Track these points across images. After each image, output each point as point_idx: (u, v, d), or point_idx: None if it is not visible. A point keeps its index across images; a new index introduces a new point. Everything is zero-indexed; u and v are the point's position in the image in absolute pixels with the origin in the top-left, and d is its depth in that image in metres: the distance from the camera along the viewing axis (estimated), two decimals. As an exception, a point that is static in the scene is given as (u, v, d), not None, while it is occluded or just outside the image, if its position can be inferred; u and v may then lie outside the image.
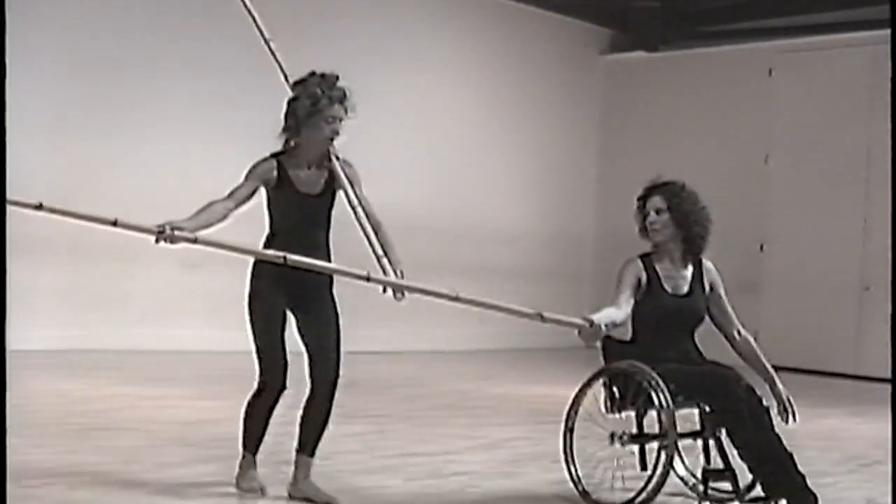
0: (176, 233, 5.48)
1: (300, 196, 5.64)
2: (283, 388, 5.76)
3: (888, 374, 13.16)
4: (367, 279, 5.20)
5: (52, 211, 5.54)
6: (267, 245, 5.67)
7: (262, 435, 5.86)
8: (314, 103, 5.58)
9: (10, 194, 10.24)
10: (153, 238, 5.59)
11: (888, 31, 13.76)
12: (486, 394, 10.13)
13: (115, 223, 5.65)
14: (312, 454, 5.76)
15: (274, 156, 5.73)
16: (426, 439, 7.57)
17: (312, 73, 5.72)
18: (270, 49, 6.14)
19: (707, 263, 6.21)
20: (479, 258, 13.96)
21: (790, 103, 14.80)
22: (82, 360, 10.69)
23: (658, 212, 6.03)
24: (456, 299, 5.32)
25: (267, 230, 5.78)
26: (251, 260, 5.76)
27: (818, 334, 14.31)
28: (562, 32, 16.18)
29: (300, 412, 5.77)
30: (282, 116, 5.73)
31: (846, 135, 14.22)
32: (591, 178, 16.65)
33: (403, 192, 13.57)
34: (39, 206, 5.33)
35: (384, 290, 5.46)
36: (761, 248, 14.93)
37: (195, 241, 5.55)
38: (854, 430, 9.78)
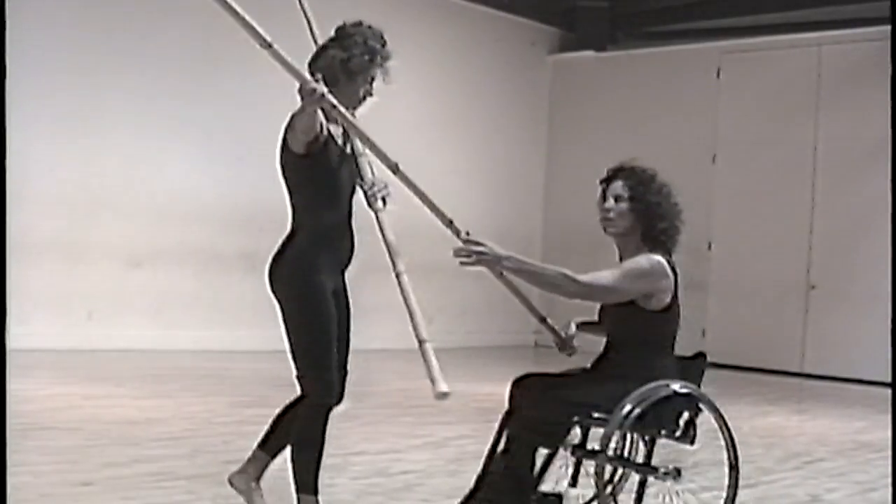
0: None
1: (341, 152, 5.02)
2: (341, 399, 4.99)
3: (832, 373, 13.36)
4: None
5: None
6: (308, 223, 4.88)
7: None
8: (371, 58, 5.13)
9: (13, 195, 9.95)
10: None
11: (835, 32, 13.95)
12: (431, 392, 10.08)
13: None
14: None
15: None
16: (372, 438, 7.54)
17: (360, 23, 5.29)
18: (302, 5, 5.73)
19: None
20: (428, 257, 13.96)
21: (738, 103, 14.89)
22: (25, 359, 10.57)
23: (617, 199, 5.23)
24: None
25: (299, 208, 4.95)
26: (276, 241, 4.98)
27: (764, 333, 14.41)
28: (510, 32, 16.20)
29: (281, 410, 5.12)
30: (313, 65, 5.08)
31: (793, 135, 14.32)
32: (539, 177, 16.69)
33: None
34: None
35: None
36: (709, 246, 14.99)
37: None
38: (798, 428, 9.86)
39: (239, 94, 12.65)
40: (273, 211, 11.76)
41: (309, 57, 5.15)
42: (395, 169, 4.82)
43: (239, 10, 4.41)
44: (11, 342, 10.49)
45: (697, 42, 15.49)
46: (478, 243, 4.83)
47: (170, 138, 12.45)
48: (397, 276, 4.71)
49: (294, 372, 4.86)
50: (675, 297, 5.25)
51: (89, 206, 11.95)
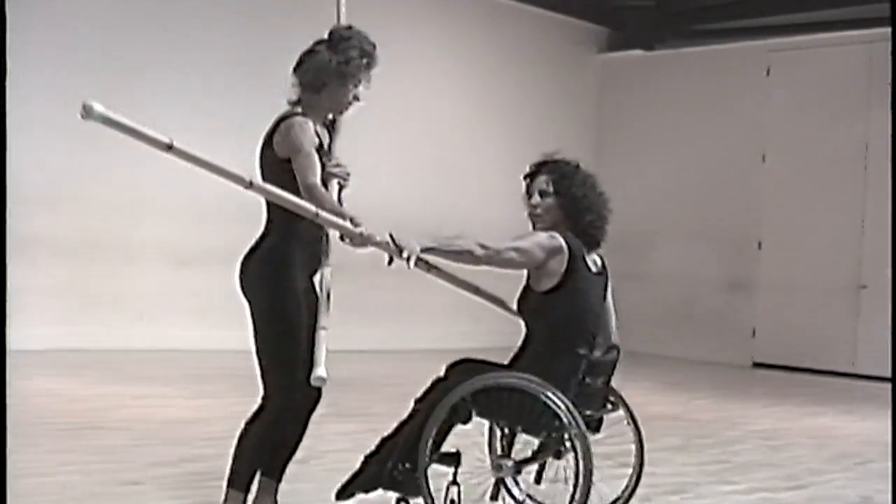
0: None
1: (321, 160, 4.87)
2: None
3: (884, 373, 13.19)
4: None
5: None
6: (284, 222, 4.80)
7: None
8: (368, 63, 5.05)
9: (13, 194, 10.07)
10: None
11: (886, 30, 13.79)
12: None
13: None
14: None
15: (300, 114, 4.94)
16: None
17: (350, 27, 5.20)
18: None
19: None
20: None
21: (787, 101, 14.77)
22: (73, 360, 10.66)
23: (542, 194, 5.10)
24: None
25: (276, 207, 4.85)
26: (267, 244, 4.88)
27: (814, 333, 14.29)
28: (558, 31, 16.16)
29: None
30: (300, 68, 5.05)
31: (843, 133, 14.20)
32: (588, 177, 16.63)
33: (397, 192, 13.56)
34: (170, 147, 4.73)
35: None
36: (759, 246, 14.88)
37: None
38: (847, 429, 9.76)
39: (282, 95, 12.67)
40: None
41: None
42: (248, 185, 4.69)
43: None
44: (63, 343, 10.65)
45: (746, 40, 15.38)
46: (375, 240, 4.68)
47: (216, 140, 12.47)
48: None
49: (258, 372, 4.85)
50: (567, 284, 4.95)
51: (138, 207, 12.02)
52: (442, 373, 5.10)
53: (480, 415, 4.91)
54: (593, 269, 5.11)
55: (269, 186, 4.65)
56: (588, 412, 4.91)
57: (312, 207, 4.60)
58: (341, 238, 4.74)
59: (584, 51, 16.56)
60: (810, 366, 14.09)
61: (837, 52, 14.45)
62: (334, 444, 6.93)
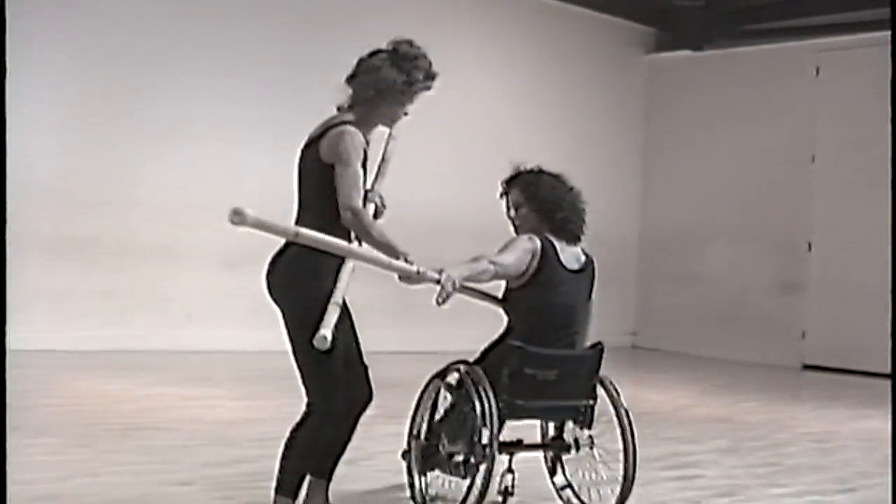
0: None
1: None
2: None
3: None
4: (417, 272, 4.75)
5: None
6: (315, 224, 4.69)
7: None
8: (428, 87, 5.10)
9: (46, 198, 10.17)
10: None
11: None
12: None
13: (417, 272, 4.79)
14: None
15: (351, 123, 4.88)
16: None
17: (412, 42, 5.10)
18: None
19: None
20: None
21: (837, 102, 14.66)
22: (123, 361, 10.74)
23: (517, 206, 5.56)
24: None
25: (311, 210, 4.92)
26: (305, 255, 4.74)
27: (864, 334, 14.16)
28: (605, 32, 16.11)
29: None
30: (358, 80, 4.99)
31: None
32: (636, 179, 16.57)
33: (443, 193, 13.58)
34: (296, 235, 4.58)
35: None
36: (809, 247, 14.77)
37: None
38: (900, 431, 9.66)
39: (330, 98, 12.72)
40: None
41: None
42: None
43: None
44: (114, 344, 10.75)
45: (795, 40, 15.27)
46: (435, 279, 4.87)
47: (262, 141, 12.54)
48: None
49: (300, 379, 4.88)
50: (535, 281, 5.32)
51: (187, 209, 12.09)
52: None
53: None
54: (572, 266, 5.42)
55: (358, 250, 4.72)
56: (532, 403, 5.18)
57: (370, 253, 4.68)
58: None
59: (632, 52, 16.51)
60: (861, 368, 13.97)
61: (887, 51, 14.24)
62: (384, 445, 6.93)
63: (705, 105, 15.96)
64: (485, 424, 5.03)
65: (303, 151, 4.97)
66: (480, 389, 5.09)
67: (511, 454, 5.55)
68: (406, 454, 5.54)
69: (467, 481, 5.17)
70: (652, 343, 16.01)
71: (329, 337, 4.43)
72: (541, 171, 5.66)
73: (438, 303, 4.91)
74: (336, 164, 4.73)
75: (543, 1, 15.27)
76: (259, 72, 12.61)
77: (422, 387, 5.58)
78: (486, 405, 5.04)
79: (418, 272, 4.74)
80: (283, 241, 4.89)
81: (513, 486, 5.51)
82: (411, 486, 5.48)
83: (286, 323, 4.90)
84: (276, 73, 12.71)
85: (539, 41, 15.34)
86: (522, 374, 5.12)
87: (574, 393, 5.37)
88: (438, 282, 4.84)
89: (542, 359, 5.18)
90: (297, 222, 4.87)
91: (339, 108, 5.04)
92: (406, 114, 5.08)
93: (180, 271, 12.10)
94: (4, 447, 3.08)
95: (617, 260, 16.04)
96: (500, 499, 5.51)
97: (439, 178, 13.50)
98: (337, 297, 4.61)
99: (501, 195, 5.71)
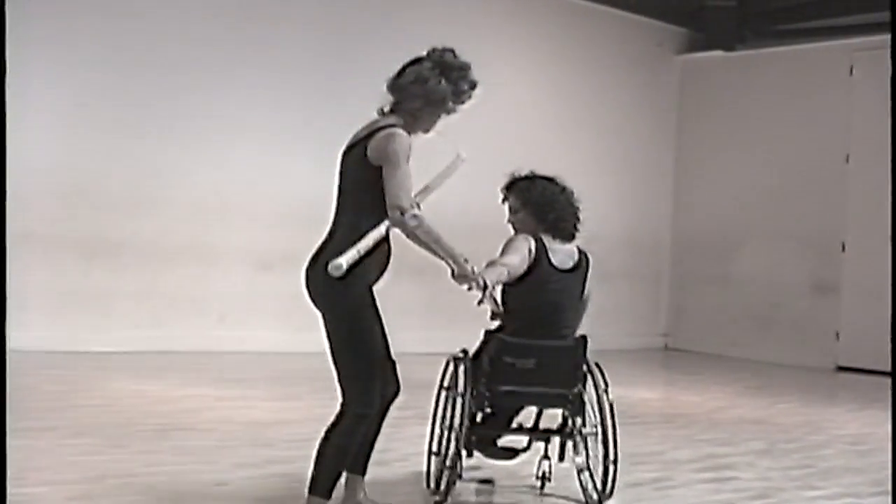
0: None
1: None
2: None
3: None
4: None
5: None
6: (357, 227, 4.84)
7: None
8: (471, 98, 5.25)
9: (80, 199, 10.21)
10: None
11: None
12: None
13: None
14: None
15: (399, 127, 4.97)
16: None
17: (454, 52, 5.24)
18: None
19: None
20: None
21: (871, 101, 14.56)
22: (158, 362, 10.79)
23: (515, 211, 6.01)
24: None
25: (352, 211, 4.96)
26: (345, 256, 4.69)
27: (900, 336, 14.09)
28: (637, 33, 16.08)
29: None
30: (403, 90, 5.08)
31: (928, 133, 13.98)
32: (668, 179, 16.53)
33: (473, 194, 13.55)
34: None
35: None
36: (843, 247, 14.70)
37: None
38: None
39: (366, 101, 12.73)
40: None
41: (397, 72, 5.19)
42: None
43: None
44: (148, 345, 10.81)
45: (829, 40, 15.20)
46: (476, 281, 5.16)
47: (298, 144, 12.58)
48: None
49: (336, 379, 4.93)
50: (526, 279, 5.69)
51: (221, 210, 12.14)
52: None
53: None
54: (565, 265, 5.79)
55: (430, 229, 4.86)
56: (512, 388, 5.59)
57: (453, 253, 4.97)
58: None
59: (664, 52, 16.47)
60: (896, 369, 13.89)
61: (922, 50, 14.23)
62: (417, 446, 6.94)
63: (738, 106, 15.91)
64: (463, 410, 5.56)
65: (345, 153, 5.03)
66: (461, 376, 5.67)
67: (546, 440, 6.00)
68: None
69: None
70: (685, 344, 15.96)
71: (344, 267, 4.58)
72: (535, 176, 6.08)
73: (483, 304, 5.31)
74: (385, 166, 4.79)
75: (575, 2, 15.25)
76: (294, 74, 12.64)
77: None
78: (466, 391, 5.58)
79: (475, 276, 5.03)
80: (320, 242, 5.03)
81: (550, 472, 6.00)
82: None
83: (326, 324, 4.95)
84: (311, 75, 12.75)
85: (571, 43, 15.32)
86: (501, 362, 5.54)
87: (556, 381, 5.69)
88: (485, 285, 5.14)
89: (519, 348, 5.57)
90: (336, 222, 5.01)
91: (381, 112, 5.12)
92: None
93: (214, 272, 12.14)
94: (4, 447, 3.09)
95: (649, 261, 16.02)
96: (538, 483, 6.07)
97: (471, 180, 13.46)
98: (360, 245, 4.69)
99: (502, 202, 6.14)
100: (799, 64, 15.39)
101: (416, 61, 5.11)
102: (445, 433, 5.80)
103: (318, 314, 4.98)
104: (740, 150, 15.77)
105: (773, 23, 16.41)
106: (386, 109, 5.10)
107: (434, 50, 5.16)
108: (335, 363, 4.92)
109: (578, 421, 5.78)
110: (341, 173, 5.04)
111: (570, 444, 5.86)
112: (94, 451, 6.52)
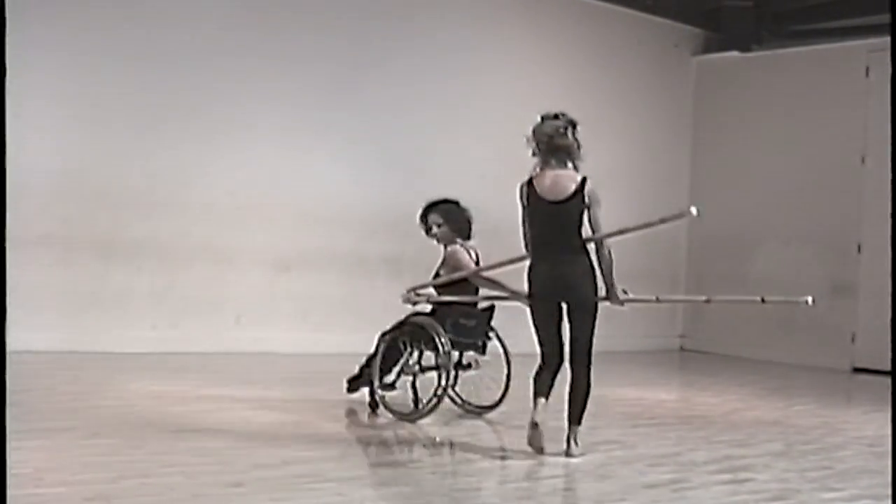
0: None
1: None
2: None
3: None
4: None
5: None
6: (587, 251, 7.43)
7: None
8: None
9: (98, 200, 10.20)
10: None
11: None
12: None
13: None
14: (580, 423, 7.22)
15: None
16: (519, 442, 7.53)
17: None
18: None
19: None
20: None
21: (887, 102, 14.37)
22: (174, 363, 10.80)
23: (438, 226, 8.70)
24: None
25: (579, 240, 7.34)
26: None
27: (917, 337, 14.03)
28: (653, 33, 16.06)
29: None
30: (571, 148, 7.77)
31: (945, 133, 13.93)
32: (684, 180, 16.50)
33: (492, 194, 13.55)
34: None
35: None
36: (858, 249, 14.66)
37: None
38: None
39: (383, 101, 12.77)
40: (416, 216, 11.82)
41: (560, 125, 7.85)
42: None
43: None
44: (165, 346, 10.80)
45: (845, 40, 15.16)
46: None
47: (315, 144, 12.60)
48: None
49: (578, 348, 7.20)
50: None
51: (238, 211, 12.15)
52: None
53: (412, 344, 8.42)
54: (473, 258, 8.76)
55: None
56: (466, 340, 8.50)
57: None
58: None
59: (680, 53, 16.44)
60: (914, 371, 13.85)
61: (940, 51, 14.18)
62: (437, 447, 6.97)
63: (754, 106, 15.88)
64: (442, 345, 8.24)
65: (571, 195, 7.32)
66: (437, 329, 8.28)
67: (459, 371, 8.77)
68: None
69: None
70: (701, 346, 15.94)
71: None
72: (446, 200, 8.75)
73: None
74: (594, 208, 7.34)
75: (592, 3, 15.23)
76: (313, 74, 12.65)
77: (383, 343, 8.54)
78: (442, 337, 8.25)
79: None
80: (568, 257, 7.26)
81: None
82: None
83: (581, 313, 7.18)
84: (330, 75, 12.75)
85: (588, 43, 15.31)
86: (459, 323, 8.38)
87: (480, 334, 8.60)
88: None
89: (469, 315, 8.50)
90: (577, 245, 7.27)
91: (572, 166, 7.62)
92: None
93: (231, 273, 12.16)
94: (5, 447, 3.10)
95: (666, 262, 15.99)
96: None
97: (488, 180, 13.48)
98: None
99: (421, 218, 8.74)
100: (815, 64, 15.36)
101: (574, 125, 8.09)
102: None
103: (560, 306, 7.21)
104: (756, 151, 15.73)
105: (789, 23, 16.37)
106: (568, 163, 7.68)
107: (562, 114, 8.12)
108: (581, 338, 7.21)
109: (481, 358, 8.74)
110: (568, 216, 7.34)
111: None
112: (111, 451, 6.53)
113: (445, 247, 8.67)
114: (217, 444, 7.04)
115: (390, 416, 8.26)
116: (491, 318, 8.66)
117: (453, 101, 13.61)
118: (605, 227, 7.26)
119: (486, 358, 8.64)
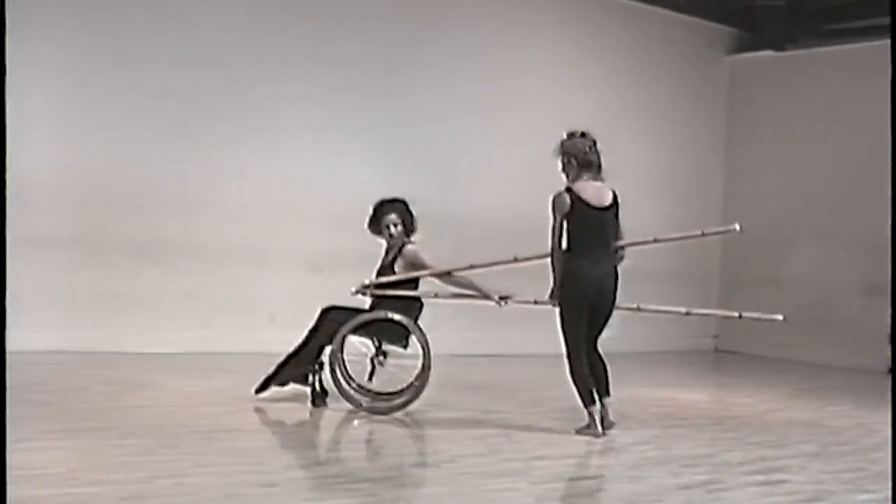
0: None
1: None
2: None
3: None
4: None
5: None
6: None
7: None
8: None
9: (130, 201, 10.22)
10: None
11: None
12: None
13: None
14: (609, 394, 7.97)
15: None
16: (551, 442, 7.51)
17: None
18: None
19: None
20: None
21: (923, 101, 14.43)
22: (209, 363, 10.83)
23: (395, 226, 9.00)
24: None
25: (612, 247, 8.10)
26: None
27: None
28: (687, 33, 16.00)
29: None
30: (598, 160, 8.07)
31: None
32: (718, 181, 16.43)
33: (524, 196, 13.54)
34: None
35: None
36: (893, 248, 14.53)
37: None
38: None
39: (415, 103, 12.77)
40: (448, 217, 11.86)
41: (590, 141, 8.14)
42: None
43: None
44: (199, 346, 10.80)
45: (879, 39, 15.04)
46: None
47: (348, 146, 12.61)
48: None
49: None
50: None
51: (271, 212, 12.18)
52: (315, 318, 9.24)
53: (364, 335, 8.83)
54: None
55: None
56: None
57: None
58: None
59: (713, 52, 16.38)
60: (949, 371, 13.75)
61: (976, 49, 14.08)
62: (469, 447, 6.96)
63: (788, 106, 15.79)
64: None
65: (609, 208, 7.89)
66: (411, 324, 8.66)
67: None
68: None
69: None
70: (734, 346, 15.87)
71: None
72: (397, 199, 9.15)
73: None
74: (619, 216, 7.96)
75: (624, 2, 15.19)
76: (347, 75, 12.66)
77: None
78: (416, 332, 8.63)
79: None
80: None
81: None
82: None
83: (609, 309, 7.93)
84: (361, 78, 12.75)
85: (620, 43, 15.26)
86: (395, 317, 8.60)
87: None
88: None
89: (403, 311, 8.70)
90: (613, 248, 7.98)
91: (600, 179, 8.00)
92: None
93: (264, 274, 12.19)
94: (5, 447, 3.11)
95: (699, 262, 15.93)
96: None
97: (518, 180, 13.46)
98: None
99: (375, 216, 9.08)
100: (849, 63, 15.25)
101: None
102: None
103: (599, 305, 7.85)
104: (790, 151, 15.65)
105: (823, 22, 16.27)
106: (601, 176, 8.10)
107: (587, 133, 8.31)
108: (599, 334, 8.00)
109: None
110: (606, 227, 7.93)
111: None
112: (144, 451, 6.55)
113: (402, 246, 8.91)
114: (251, 445, 7.06)
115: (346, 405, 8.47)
116: (419, 315, 8.88)
117: (484, 104, 13.60)
118: (639, 226, 8.25)
119: (407, 352, 8.71)
